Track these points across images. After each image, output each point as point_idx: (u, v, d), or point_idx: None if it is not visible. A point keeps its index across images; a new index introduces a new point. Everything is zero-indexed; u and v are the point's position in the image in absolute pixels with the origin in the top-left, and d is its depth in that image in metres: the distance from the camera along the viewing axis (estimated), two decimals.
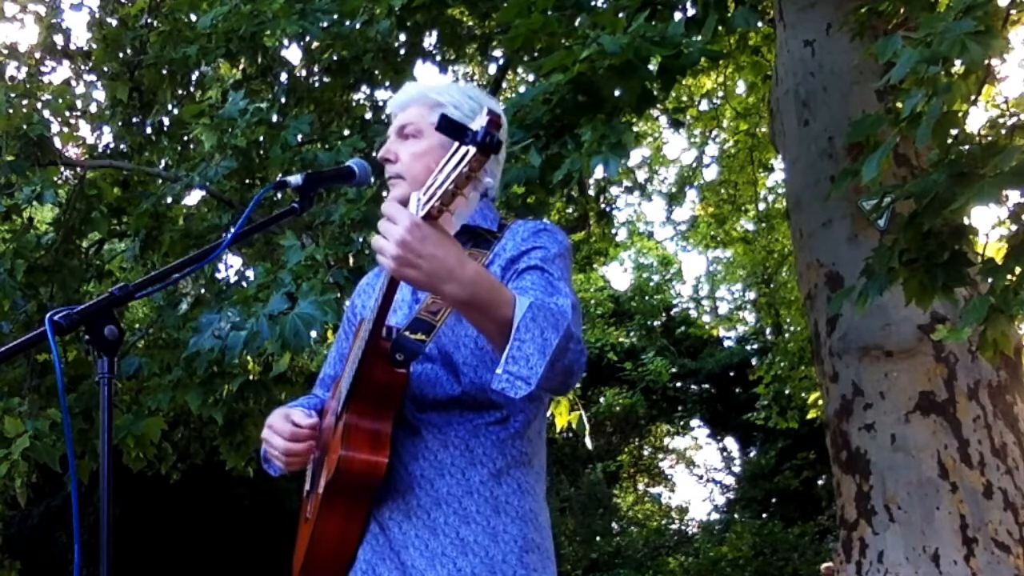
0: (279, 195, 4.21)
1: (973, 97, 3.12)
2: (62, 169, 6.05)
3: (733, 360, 15.55)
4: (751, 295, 15.80)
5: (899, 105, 3.21)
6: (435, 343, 1.68)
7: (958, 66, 2.90)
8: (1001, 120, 3.57)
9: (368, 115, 6.20)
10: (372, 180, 1.86)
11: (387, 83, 6.29)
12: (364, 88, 6.44)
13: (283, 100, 6.04)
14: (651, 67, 3.82)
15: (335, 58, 5.87)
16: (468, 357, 1.69)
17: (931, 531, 3.97)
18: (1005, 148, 2.86)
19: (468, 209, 1.79)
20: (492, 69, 8.13)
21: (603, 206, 11.10)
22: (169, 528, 10.79)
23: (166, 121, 6.51)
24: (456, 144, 1.32)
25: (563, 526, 14.37)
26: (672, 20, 4.07)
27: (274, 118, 5.22)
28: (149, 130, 6.64)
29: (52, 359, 3.30)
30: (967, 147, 3.09)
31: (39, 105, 5.72)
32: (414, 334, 1.67)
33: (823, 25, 4.68)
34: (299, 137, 5.23)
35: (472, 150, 1.29)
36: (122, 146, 6.65)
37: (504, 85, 8.55)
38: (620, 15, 4.01)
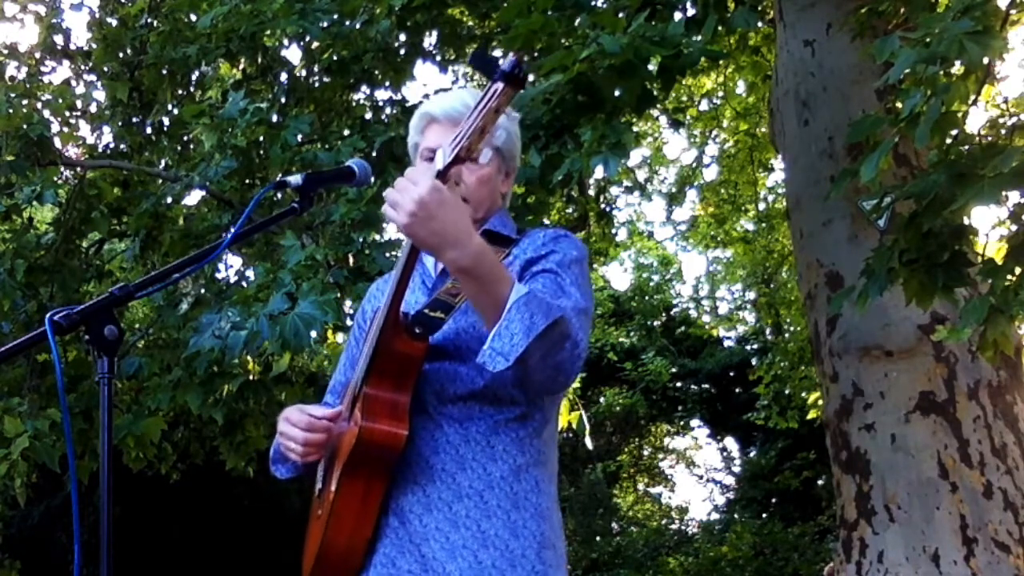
0: (279, 195, 4.21)
1: (973, 97, 3.12)
2: (62, 169, 6.04)
3: (733, 360, 15.53)
4: (751, 295, 15.78)
5: (899, 105, 3.21)
6: (456, 338, 1.70)
7: (958, 67, 2.90)
8: (1001, 120, 3.58)
9: (368, 115, 6.19)
10: (372, 180, 1.85)
11: (387, 83, 6.29)
12: (364, 88, 6.43)
13: (283, 100, 6.04)
14: (651, 67, 3.82)
15: (335, 58, 5.86)
16: (486, 327, 1.69)
17: (931, 531, 3.97)
18: (1005, 149, 2.86)
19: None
20: None
21: (603, 206, 11.09)
22: (169, 528, 10.78)
23: (166, 121, 6.50)
24: (489, 84, 1.40)
25: (563, 526, 14.35)
26: (672, 20, 4.07)
27: (274, 118, 5.22)
28: (149, 130, 6.64)
29: (52, 359, 3.30)
30: (967, 147, 3.09)
31: (39, 105, 5.72)
32: (433, 312, 1.70)
33: (823, 25, 4.68)
34: (299, 137, 5.22)
35: (500, 85, 1.37)
36: (122, 146, 6.64)
37: None
38: (620, 15, 4.00)
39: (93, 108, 6.56)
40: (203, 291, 5.85)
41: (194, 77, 6.36)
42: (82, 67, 6.84)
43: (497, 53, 7.04)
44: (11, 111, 5.21)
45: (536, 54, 4.38)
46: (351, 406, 1.72)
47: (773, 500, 14.60)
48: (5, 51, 6.41)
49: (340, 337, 5.75)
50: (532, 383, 1.64)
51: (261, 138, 5.08)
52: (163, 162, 6.49)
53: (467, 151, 1.44)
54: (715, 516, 16.02)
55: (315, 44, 5.89)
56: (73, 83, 6.72)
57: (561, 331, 1.55)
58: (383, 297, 1.86)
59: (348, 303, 4.67)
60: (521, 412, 1.72)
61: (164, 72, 6.10)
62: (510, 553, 1.65)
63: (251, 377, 5.26)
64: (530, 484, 1.71)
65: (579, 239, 1.85)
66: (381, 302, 1.87)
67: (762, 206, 12.16)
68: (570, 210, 8.83)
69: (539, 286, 1.68)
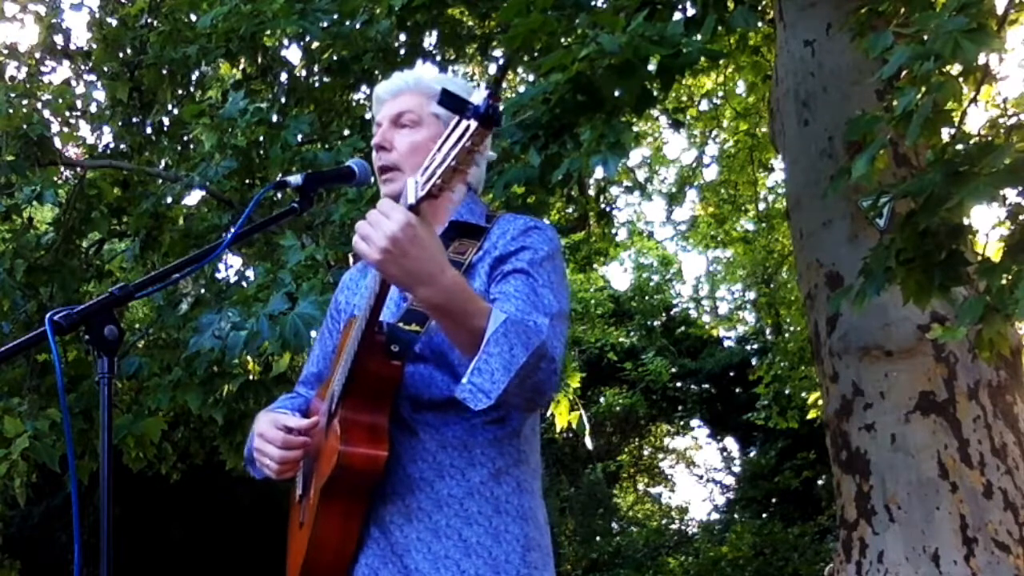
0: (279, 195, 4.21)
1: (972, 95, 3.12)
2: (62, 169, 6.05)
3: (733, 360, 15.51)
4: (751, 295, 15.78)
5: (895, 103, 3.21)
6: (430, 343, 1.67)
7: (957, 66, 2.90)
8: (1001, 120, 3.58)
9: (368, 115, 6.20)
10: (372, 180, 1.85)
11: None
12: (364, 88, 6.44)
13: (283, 100, 6.04)
14: (651, 67, 3.82)
15: (335, 58, 5.86)
16: (463, 357, 1.66)
17: (931, 531, 3.97)
18: (1000, 147, 2.86)
19: (457, 197, 1.77)
20: (492, 69, 8.13)
21: (603, 206, 11.11)
22: (169, 528, 10.78)
23: (166, 121, 6.51)
24: (456, 119, 1.31)
25: (563, 526, 14.34)
26: (671, 20, 4.07)
27: (274, 118, 5.22)
28: (149, 130, 6.64)
29: (52, 359, 3.30)
30: (963, 146, 3.09)
31: (39, 105, 5.72)
32: (407, 325, 1.66)
33: (823, 25, 4.68)
34: (299, 137, 5.23)
35: (474, 124, 1.28)
36: (122, 146, 6.64)
37: (504, 85, 8.54)
38: (619, 14, 4.00)
39: (93, 108, 6.57)
40: (203, 291, 5.85)
41: (194, 77, 6.37)
42: (82, 67, 6.84)
43: (497, 53, 7.06)
44: (11, 111, 5.21)
45: (536, 54, 4.38)
46: (328, 415, 1.69)
47: (773, 500, 14.59)
48: (5, 51, 6.42)
49: None
50: (510, 406, 1.61)
51: (261, 138, 5.09)
52: (163, 162, 6.50)
53: (439, 189, 1.36)
54: (715, 516, 16.01)
55: (315, 44, 5.90)
56: (73, 83, 6.72)
57: (539, 353, 1.52)
58: (357, 291, 1.83)
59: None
60: (498, 414, 1.68)
61: (164, 72, 6.10)
62: (493, 560, 1.62)
63: (251, 377, 5.25)
64: (511, 486, 1.69)
65: (551, 228, 1.80)
66: (354, 296, 1.85)
67: (762, 206, 12.17)
68: (570, 210, 8.84)
69: (512, 290, 1.65)
